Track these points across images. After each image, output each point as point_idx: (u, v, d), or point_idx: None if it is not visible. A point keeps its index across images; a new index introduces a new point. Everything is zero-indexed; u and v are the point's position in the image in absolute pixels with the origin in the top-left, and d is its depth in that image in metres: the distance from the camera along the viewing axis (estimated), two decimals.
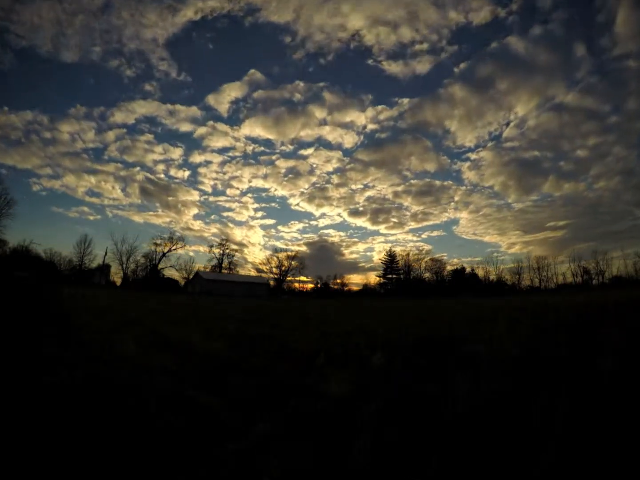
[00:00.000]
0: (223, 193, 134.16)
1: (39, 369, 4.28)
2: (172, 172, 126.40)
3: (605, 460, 2.32)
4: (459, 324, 10.53)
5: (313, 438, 2.94)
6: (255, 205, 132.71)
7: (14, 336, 6.06)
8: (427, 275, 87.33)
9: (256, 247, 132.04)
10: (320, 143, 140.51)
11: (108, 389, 3.81)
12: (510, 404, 3.58)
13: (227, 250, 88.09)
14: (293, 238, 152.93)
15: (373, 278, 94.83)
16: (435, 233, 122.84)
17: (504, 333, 6.90)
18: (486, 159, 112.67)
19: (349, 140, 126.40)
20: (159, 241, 78.98)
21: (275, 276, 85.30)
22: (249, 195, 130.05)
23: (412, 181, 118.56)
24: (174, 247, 79.39)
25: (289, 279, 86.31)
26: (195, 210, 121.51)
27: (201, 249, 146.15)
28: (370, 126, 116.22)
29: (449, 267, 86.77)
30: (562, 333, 6.34)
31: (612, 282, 62.78)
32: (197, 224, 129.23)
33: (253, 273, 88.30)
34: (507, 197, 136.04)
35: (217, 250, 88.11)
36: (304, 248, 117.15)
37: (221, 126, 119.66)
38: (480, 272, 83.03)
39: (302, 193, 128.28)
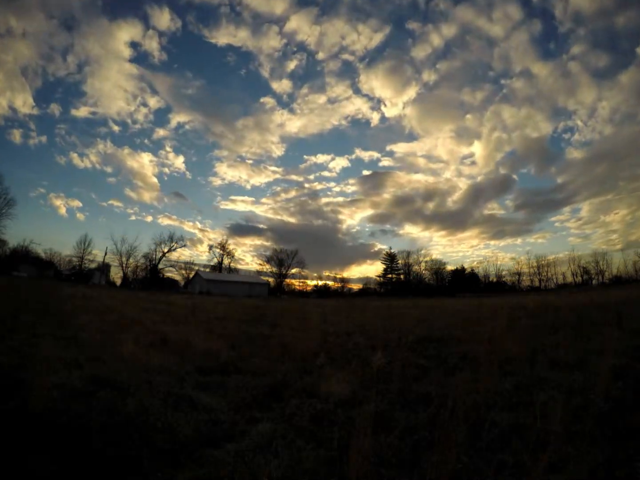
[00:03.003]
0: None
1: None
2: None
3: None
4: (458, 324, 10.53)
5: (313, 438, 2.94)
6: None
7: None
8: (427, 275, 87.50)
9: None
10: None
11: (108, 389, 3.81)
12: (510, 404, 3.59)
13: (227, 251, 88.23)
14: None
15: (375, 272, 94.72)
16: None
17: (503, 332, 6.90)
18: None
19: None
20: (158, 241, 79.03)
21: (275, 276, 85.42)
22: None
23: None
24: (174, 247, 79.50)
25: (288, 281, 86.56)
26: None
27: (201, 248, 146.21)
28: None
29: (448, 267, 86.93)
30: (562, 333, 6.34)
31: (612, 281, 62.78)
32: None
33: (253, 270, 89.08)
34: None
35: (217, 250, 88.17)
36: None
37: None
38: (480, 272, 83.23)
39: None
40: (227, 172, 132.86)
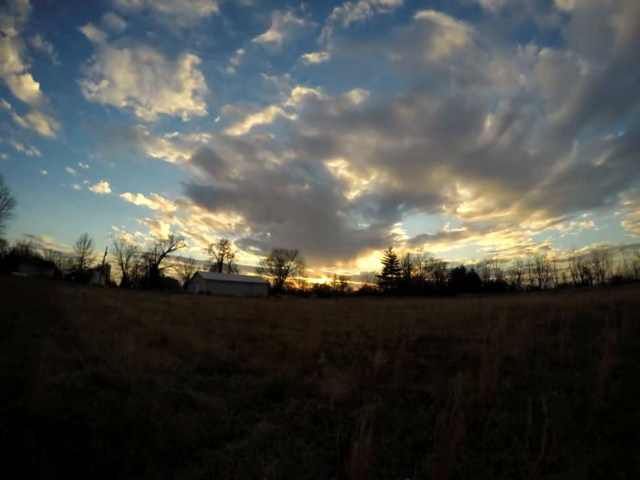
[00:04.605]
0: None
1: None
2: None
3: None
4: (459, 324, 10.53)
5: (313, 438, 2.94)
6: None
7: None
8: (427, 275, 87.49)
9: None
10: None
11: (108, 389, 3.81)
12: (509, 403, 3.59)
13: (226, 251, 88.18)
14: None
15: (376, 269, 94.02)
16: None
17: (503, 332, 6.90)
18: None
19: None
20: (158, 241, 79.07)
21: (275, 276, 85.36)
22: None
23: None
24: (174, 247, 79.43)
25: (288, 281, 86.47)
26: None
27: (201, 248, 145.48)
28: None
29: (448, 267, 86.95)
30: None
31: (612, 281, 62.75)
32: None
33: (253, 267, 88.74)
34: None
35: (217, 250, 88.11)
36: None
37: None
38: (480, 272, 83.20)
39: None
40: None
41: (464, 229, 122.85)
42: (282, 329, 10.15)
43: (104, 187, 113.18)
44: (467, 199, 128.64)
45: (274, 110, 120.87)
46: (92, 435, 2.73)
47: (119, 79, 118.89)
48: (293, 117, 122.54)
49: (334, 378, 4.34)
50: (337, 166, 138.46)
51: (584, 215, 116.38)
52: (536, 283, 76.60)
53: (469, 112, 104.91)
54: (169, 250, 79.41)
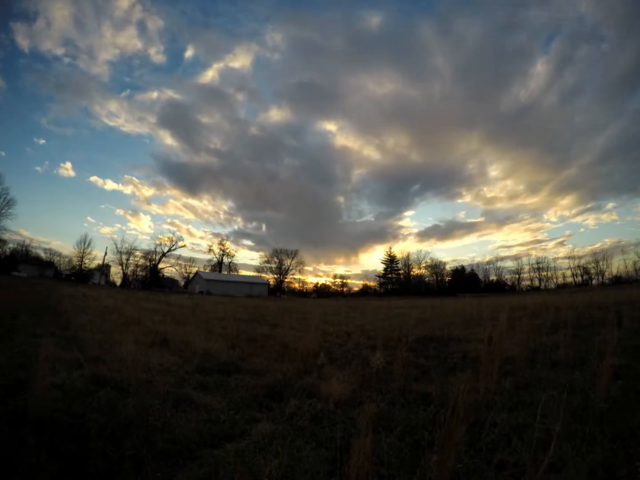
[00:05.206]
0: None
1: None
2: None
3: None
4: (459, 324, 10.53)
5: (313, 438, 2.94)
6: None
7: None
8: (427, 275, 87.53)
9: None
10: None
11: (108, 389, 3.81)
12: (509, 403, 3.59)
13: (226, 251, 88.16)
14: None
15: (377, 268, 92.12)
16: None
17: (503, 332, 6.90)
18: None
19: None
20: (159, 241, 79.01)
21: (275, 275, 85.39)
22: None
23: None
24: (174, 247, 79.41)
25: (288, 279, 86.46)
26: None
27: (201, 248, 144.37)
28: None
29: (448, 267, 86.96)
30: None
31: (612, 281, 62.77)
32: None
33: (254, 266, 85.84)
34: None
35: (216, 251, 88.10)
36: None
37: None
38: (480, 272, 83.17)
39: None
40: None
41: (481, 219, 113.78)
42: (282, 329, 10.14)
43: (67, 170, 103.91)
44: (494, 180, 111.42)
45: (253, 49, 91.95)
46: (92, 435, 2.73)
47: (53, 16, 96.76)
48: (276, 56, 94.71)
49: (334, 378, 4.34)
50: (339, 129, 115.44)
51: (609, 206, 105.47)
52: (536, 283, 76.64)
53: (516, 51, 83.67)
54: (169, 250, 79.40)
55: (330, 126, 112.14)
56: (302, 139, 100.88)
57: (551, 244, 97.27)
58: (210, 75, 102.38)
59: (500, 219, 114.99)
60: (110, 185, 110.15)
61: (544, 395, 3.58)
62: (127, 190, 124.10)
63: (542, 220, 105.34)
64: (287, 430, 3.07)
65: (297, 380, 4.52)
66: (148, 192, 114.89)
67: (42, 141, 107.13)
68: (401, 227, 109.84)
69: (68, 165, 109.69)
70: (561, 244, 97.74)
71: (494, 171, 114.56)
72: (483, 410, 3.31)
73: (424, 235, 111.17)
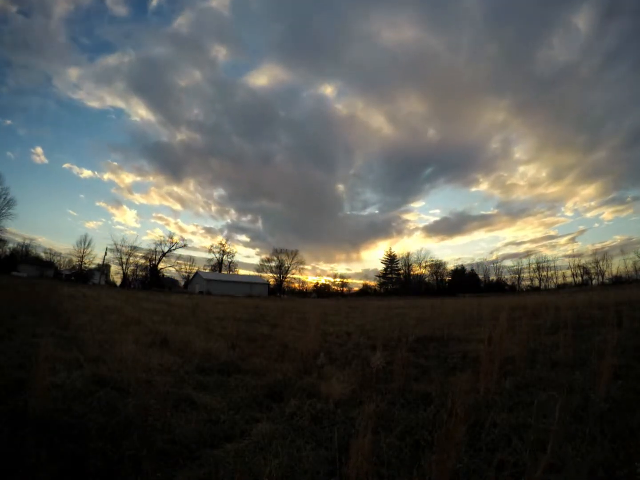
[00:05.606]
0: None
1: None
2: None
3: None
4: (459, 324, 10.53)
5: (313, 438, 2.94)
6: None
7: None
8: (427, 275, 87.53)
9: None
10: None
11: (108, 389, 3.81)
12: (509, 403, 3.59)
13: (226, 250, 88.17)
14: None
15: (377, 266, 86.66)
16: None
17: (503, 332, 6.90)
18: None
19: None
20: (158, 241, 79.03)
21: (275, 275, 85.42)
22: None
23: None
24: (174, 247, 79.42)
25: (287, 279, 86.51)
26: None
27: (201, 248, 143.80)
28: None
29: (448, 267, 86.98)
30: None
31: (612, 281, 62.75)
32: None
33: (254, 265, 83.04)
34: None
35: (216, 250, 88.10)
36: None
37: None
38: (480, 272, 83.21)
39: None
40: None
41: (494, 211, 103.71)
42: (282, 329, 10.14)
43: (39, 155, 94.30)
44: (517, 163, 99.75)
45: None
46: (92, 435, 2.73)
47: None
48: None
49: (334, 378, 4.34)
50: (340, 91, 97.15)
51: (629, 198, 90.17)
52: (536, 283, 76.59)
53: None
54: (169, 250, 79.37)
55: (329, 87, 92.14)
56: (297, 106, 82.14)
57: (563, 240, 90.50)
58: (182, 22, 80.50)
59: (514, 212, 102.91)
60: (86, 172, 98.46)
61: (544, 395, 3.59)
62: (105, 176, 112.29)
63: (557, 213, 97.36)
64: (287, 430, 3.07)
65: (297, 380, 4.52)
66: (128, 178, 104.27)
67: (8, 121, 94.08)
68: (407, 220, 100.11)
69: (39, 150, 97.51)
70: (572, 240, 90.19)
71: (517, 152, 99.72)
72: (483, 410, 3.31)
73: (431, 230, 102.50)
